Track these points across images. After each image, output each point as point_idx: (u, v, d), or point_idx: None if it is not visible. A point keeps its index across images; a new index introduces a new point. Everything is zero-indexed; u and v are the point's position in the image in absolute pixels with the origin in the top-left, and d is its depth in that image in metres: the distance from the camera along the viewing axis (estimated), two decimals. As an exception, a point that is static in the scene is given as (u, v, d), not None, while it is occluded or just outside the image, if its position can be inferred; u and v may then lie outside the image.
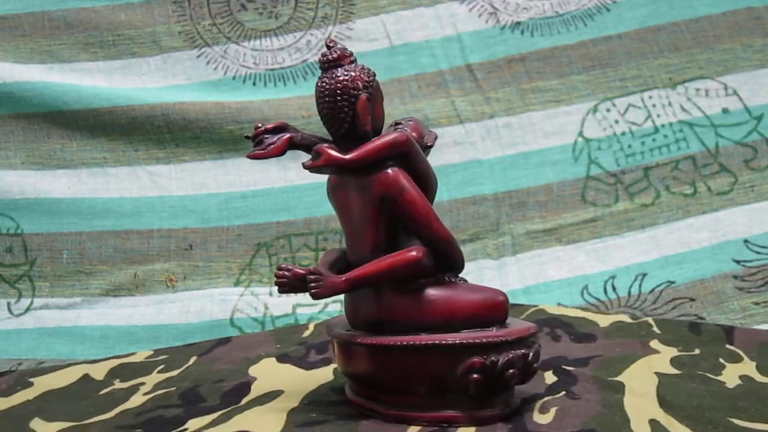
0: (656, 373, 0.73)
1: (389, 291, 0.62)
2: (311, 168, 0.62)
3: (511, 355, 0.59)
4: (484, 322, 0.60)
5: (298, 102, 1.20)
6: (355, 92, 0.61)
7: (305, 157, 0.65)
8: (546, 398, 0.67)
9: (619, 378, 0.72)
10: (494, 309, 0.61)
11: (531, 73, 1.22)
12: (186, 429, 0.67)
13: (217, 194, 1.18)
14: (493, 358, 0.58)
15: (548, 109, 1.21)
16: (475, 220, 1.17)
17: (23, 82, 1.17)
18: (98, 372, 0.90)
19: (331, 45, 0.64)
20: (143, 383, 0.84)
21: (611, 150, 1.19)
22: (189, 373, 0.86)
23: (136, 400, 0.78)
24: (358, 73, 0.62)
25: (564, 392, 0.68)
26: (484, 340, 0.59)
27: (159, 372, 0.88)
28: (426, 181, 0.64)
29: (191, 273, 1.15)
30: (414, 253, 0.60)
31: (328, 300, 1.11)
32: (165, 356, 0.95)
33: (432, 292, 0.61)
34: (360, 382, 0.66)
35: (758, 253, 1.11)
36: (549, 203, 1.18)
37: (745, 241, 1.12)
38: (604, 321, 0.95)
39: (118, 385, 0.85)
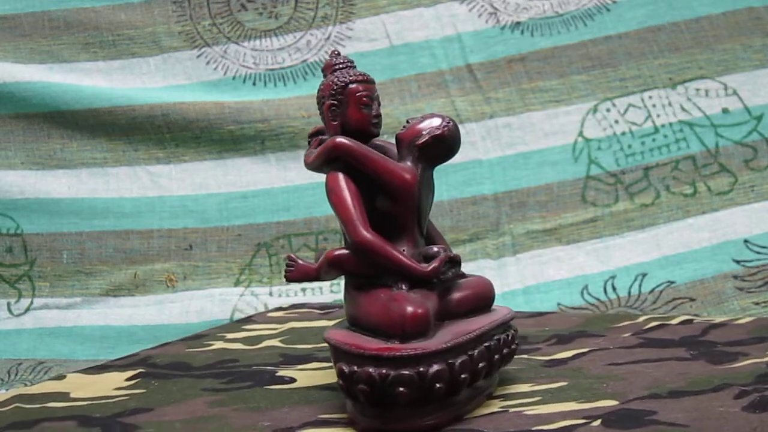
0: None
1: (345, 286, 0.64)
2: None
3: (360, 370, 0.55)
4: (386, 333, 0.57)
5: (298, 102, 1.20)
6: (323, 101, 0.64)
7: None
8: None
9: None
10: (400, 321, 0.57)
11: (531, 73, 1.22)
12: (279, 367, 0.73)
13: (217, 194, 1.18)
14: (354, 367, 0.56)
15: (548, 109, 1.21)
16: (475, 220, 1.17)
17: (23, 82, 1.17)
18: None
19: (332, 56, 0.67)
20: None
21: (611, 150, 1.19)
22: None
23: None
24: (327, 82, 0.64)
25: None
26: (345, 347, 0.56)
27: None
28: (380, 183, 0.61)
29: (191, 273, 1.15)
30: (335, 252, 0.61)
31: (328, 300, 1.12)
32: None
33: (354, 293, 0.61)
34: None
35: (758, 253, 1.11)
36: (549, 203, 1.18)
37: (745, 241, 1.12)
38: None
39: None
